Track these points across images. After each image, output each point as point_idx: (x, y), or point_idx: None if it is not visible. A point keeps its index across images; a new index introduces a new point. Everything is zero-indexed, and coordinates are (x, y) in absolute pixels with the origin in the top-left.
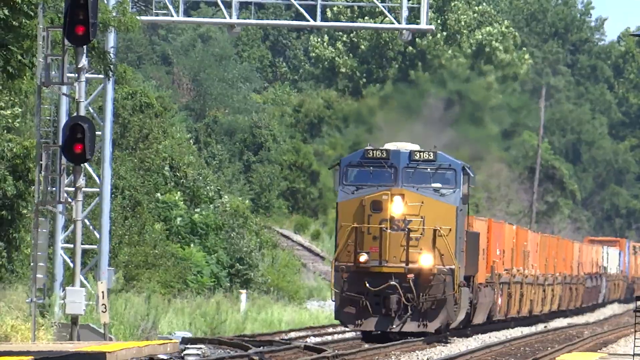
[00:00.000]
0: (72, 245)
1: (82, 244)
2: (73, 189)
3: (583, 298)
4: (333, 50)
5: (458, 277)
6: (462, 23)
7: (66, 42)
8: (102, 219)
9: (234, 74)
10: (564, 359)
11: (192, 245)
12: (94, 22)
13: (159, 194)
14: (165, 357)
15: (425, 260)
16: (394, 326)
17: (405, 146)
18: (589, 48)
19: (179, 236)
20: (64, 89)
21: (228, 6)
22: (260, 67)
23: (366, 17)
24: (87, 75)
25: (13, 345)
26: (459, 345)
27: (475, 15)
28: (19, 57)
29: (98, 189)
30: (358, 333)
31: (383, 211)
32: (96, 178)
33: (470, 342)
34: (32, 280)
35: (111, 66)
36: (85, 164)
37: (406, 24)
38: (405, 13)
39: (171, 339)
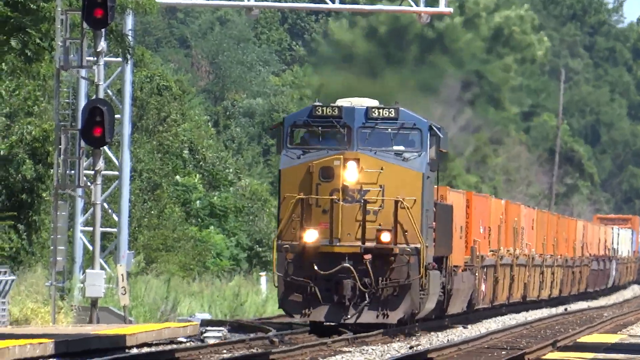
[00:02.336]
0: (91, 229)
1: (101, 227)
2: (92, 172)
3: (588, 282)
4: (352, 34)
5: (425, 258)
6: (481, 6)
7: (85, 25)
8: (122, 202)
9: (252, 56)
10: (585, 340)
11: (211, 227)
12: (112, 5)
13: (178, 177)
14: (185, 340)
15: (385, 237)
16: (349, 316)
17: (362, 102)
18: (607, 30)
19: (198, 219)
20: (83, 72)
21: None
22: (279, 50)
23: (384, 0)
24: (106, 58)
25: (33, 328)
26: (480, 327)
27: None
28: (37, 41)
29: (117, 172)
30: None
31: (334, 179)
32: (115, 161)
33: (491, 324)
34: (52, 264)
35: (129, 49)
36: (105, 147)
37: (425, 6)
38: None
39: (191, 321)
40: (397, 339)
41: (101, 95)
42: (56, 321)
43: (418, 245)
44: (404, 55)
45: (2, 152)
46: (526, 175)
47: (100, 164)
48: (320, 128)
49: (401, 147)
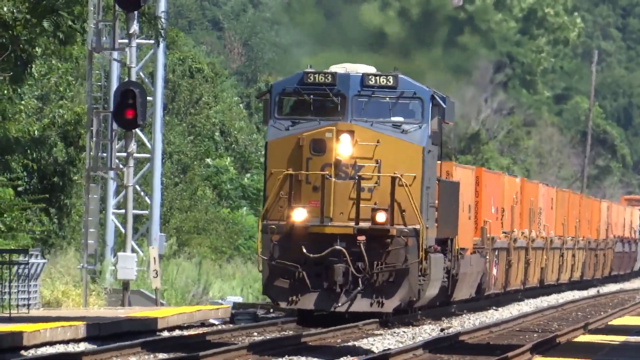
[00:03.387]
0: (123, 211)
1: (133, 209)
2: (124, 154)
3: (613, 265)
4: (384, 15)
5: (425, 240)
6: None
7: (117, 7)
8: (154, 185)
9: (286, 39)
10: (616, 323)
11: (243, 209)
12: None
13: (209, 160)
14: (216, 322)
15: (380, 217)
16: (340, 304)
17: (357, 68)
18: None
19: (229, 200)
20: (115, 54)
21: None
22: (313, 33)
23: None
24: (138, 40)
25: (64, 311)
26: (511, 309)
27: None
28: (70, 23)
29: (149, 155)
30: None
31: (326, 153)
32: (147, 143)
33: (522, 306)
34: (84, 246)
35: (162, 31)
36: (137, 129)
37: None
38: None
39: (222, 304)
40: (429, 321)
41: (133, 77)
42: (88, 304)
43: (417, 226)
44: (435, 37)
45: (35, 134)
46: (558, 158)
47: (132, 146)
48: (311, 96)
49: (400, 118)
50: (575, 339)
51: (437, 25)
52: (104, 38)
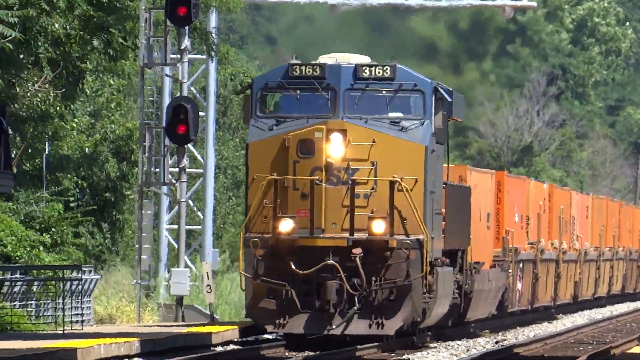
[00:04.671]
0: (176, 227)
1: (186, 225)
2: (177, 169)
3: None
4: (434, 28)
5: (430, 252)
6: None
7: (168, 23)
8: (206, 200)
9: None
10: None
11: None
12: (195, 3)
13: None
14: (270, 337)
15: (378, 227)
16: (334, 326)
17: (349, 59)
18: None
19: None
20: (167, 70)
21: None
22: (361, 45)
23: None
24: (190, 56)
25: (118, 327)
26: (565, 321)
27: None
28: (121, 39)
29: (202, 170)
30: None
31: (315, 155)
32: (200, 158)
33: (576, 318)
34: (137, 262)
35: (214, 46)
36: (189, 144)
37: (509, 0)
38: None
39: None
40: (482, 333)
41: (185, 92)
42: (141, 319)
43: (420, 237)
44: (486, 49)
45: (87, 150)
46: (611, 170)
47: (185, 161)
48: (298, 91)
49: (398, 114)
50: (630, 350)
51: (488, 37)
52: (156, 54)
